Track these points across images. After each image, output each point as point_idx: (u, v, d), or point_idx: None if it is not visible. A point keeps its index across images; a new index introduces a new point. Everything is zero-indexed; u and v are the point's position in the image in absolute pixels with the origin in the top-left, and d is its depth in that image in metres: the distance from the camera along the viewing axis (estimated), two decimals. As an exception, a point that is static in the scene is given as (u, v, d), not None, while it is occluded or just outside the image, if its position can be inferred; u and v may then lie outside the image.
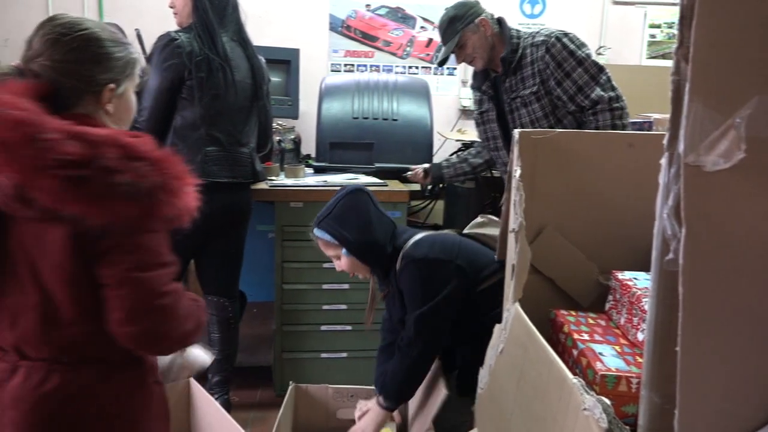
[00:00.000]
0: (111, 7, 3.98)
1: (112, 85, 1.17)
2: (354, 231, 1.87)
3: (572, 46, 2.37)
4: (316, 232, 1.93)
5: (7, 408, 1.13)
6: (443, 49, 2.55)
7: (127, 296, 1.08)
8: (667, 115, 0.75)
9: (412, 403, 2.09)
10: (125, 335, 1.10)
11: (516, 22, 4.20)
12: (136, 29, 2.72)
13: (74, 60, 1.14)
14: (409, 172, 3.00)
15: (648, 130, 2.76)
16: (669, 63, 0.78)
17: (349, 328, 2.80)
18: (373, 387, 2.21)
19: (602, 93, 2.33)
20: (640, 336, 1.41)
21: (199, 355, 1.43)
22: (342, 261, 1.93)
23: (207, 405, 1.90)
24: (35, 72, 1.12)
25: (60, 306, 1.12)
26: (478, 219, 2.20)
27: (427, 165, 2.99)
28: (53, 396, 1.13)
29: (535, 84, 2.42)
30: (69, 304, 1.11)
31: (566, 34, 2.41)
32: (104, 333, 1.12)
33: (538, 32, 2.47)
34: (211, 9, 2.28)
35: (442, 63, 2.64)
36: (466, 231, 2.16)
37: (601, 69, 2.38)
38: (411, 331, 1.86)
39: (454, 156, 3.01)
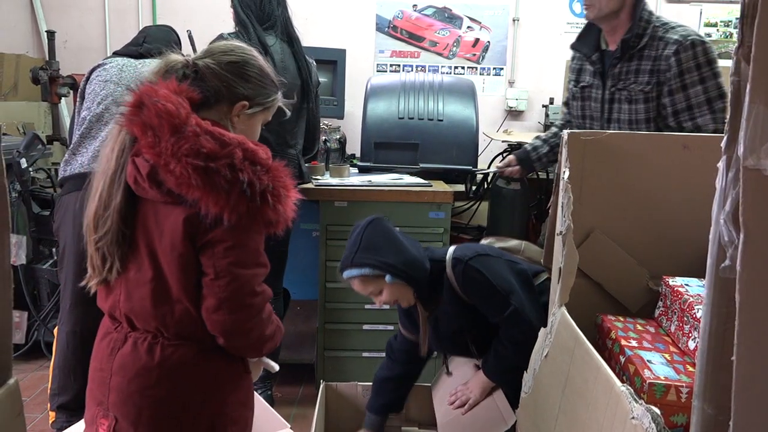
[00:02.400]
0: (164, 8, 4.10)
1: (245, 102, 1.34)
2: (391, 254, 1.78)
3: (702, 59, 2.08)
4: (350, 272, 1.79)
5: (114, 373, 1.25)
6: None
7: (223, 287, 1.18)
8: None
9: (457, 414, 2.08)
10: (213, 322, 1.21)
11: (564, 21, 4.14)
12: (188, 30, 2.79)
13: (229, 70, 1.32)
14: (500, 163, 2.78)
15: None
16: (725, 63, 0.75)
17: (390, 327, 2.81)
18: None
19: (710, 122, 2.08)
20: (691, 344, 1.37)
21: (270, 361, 1.47)
22: (384, 293, 1.81)
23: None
24: (198, 67, 1.30)
25: (169, 284, 1.22)
26: (490, 241, 2.16)
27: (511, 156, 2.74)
28: (154, 367, 1.23)
29: (650, 83, 2.14)
30: (177, 282, 1.21)
31: (703, 42, 2.12)
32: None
33: (674, 27, 2.19)
34: (241, 5, 2.34)
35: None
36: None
37: (722, 95, 2.09)
38: (517, 324, 1.79)
39: (537, 140, 2.71)
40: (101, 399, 1.27)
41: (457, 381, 2.05)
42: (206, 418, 1.27)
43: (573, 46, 2.40)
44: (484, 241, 2.15)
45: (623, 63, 2.19)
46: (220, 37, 2.31)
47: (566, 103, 2.51)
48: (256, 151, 1.19)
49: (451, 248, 1.90)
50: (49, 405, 2.28)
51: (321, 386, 2.23)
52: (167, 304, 1.23)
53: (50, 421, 2.28)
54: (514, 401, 1.84)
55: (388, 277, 1.78)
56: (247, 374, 1.36)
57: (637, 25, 2.16)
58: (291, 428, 1.70)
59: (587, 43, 2.31)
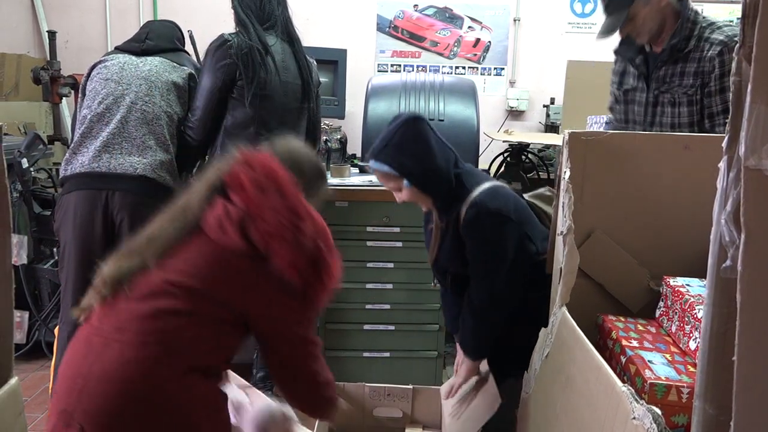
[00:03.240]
0: (165, 8, 4.10)
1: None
2: (416, 160, 1.78)
3: None
4: (374, 164, 1.81)
5: (90, 381, 1.22)
6: (607, 20, 2.13)
7: (287, 354, 1.38)
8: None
9: (453, 402, 2.08)
10: (280, 384, 1.41)
11: (566, 21, 4.14)
12: (188, 30, 2.79)
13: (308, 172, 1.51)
14: None
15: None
16: (728, 63, 0.75)
17: (392, 327, 2.81)
18: (410, 386, 2.21)
19: None
20: (692, 344, 1.37)
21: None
22: (403, 193, 1.83)
23: (256, 398, 1.93)
24: (294, 161, 1.47)
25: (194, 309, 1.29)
26: (543, 190, 2.11)
27: None
28: (137, 382, 1.22)
29: (694, 86, 2.08)
30: (209, 316, 1.29)
31: None
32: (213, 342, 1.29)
33: (720, 27, 2.10)
34: (241, 6, 2.35)
35: (606, 34, 2.14)
36: (527, 197, 2.05)
37: None
38: (483, 292, 1.82)
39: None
40: (68, 405, 1.23)
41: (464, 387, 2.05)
42: None
43: (616, 52, 2.32)
44: (543, 191, 2.10)
45: (668, 66, 2.14)
46: (221, 37, 2.31)
47: (611, 108, 2.44)
48: (326, 229, 1.37)
49: (485, 185, 1.85)
50: (50, 405, 2.28)
51: None
52: (176, 321, 1.25)
53: (51, 421, 2.28)
54: (499, 377, 1.89)
55: (405, 182, 1.80)
56: (226, 415, 1.36)
57: (684, 28, 2.09)
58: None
59: (630, 46, 2.24)
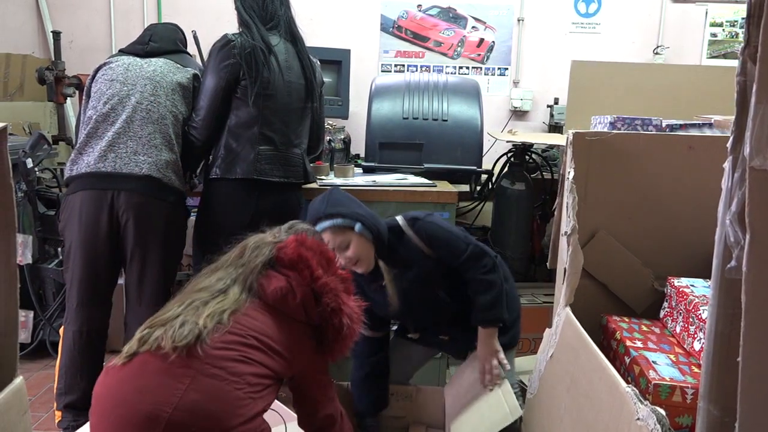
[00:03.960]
0: (169, 9, 4.11)
1: None
2: (359, 208, 1.89)
3: None
4: (325, 224, 1.84)
5: (178, 409, 1.25)
6: None
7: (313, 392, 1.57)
8: (729, 117, 0.73)
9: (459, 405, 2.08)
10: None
11: (570, 21, 4.13)
12: (192, 31, 2.79)
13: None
14: None
15: (708, 133, 2.66)
16: (731, 63, 0.75)
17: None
18: (413, 386, 2.20)
19: None
20: (697, 345, 1.37)
21: None
22: (353, 246, 1.84)
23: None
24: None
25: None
26: None
27: None
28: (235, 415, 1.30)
29: None
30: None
31: None
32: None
33: None
34: (243, 6, 2.35)
35: None
36: None
37: None
38: (475, 263, 1.90)
39: None
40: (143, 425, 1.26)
41: (468, 380, 2.05)
42: None
43: None
44: None
45: None
46: (224, 37, 2.31)
47: None
48: (352, 308, 1.54)
49: (396, 217, 1.98)
50: (55, 404, 2.28)
51: None
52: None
53: (56, 421, 2.29)
54: (508, 347, 1.94)
55: (357, 226, 1.84)
56: None
57: None
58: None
59: None
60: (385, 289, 1.94)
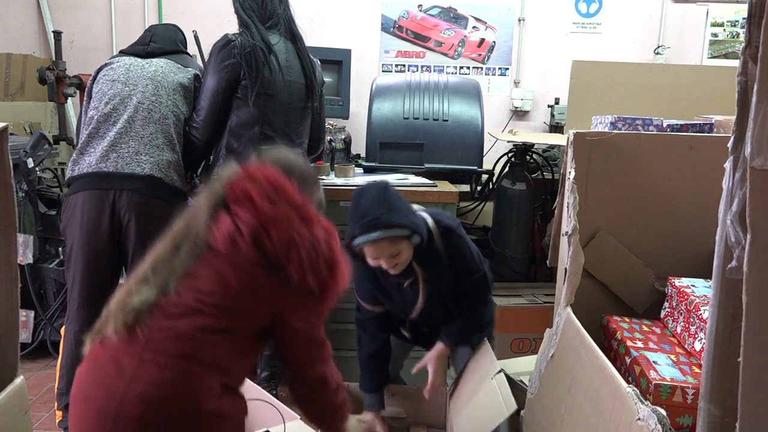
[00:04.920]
0: (170, 9, 4.11)
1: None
2: (415, 217, 1.83)
3: None
4: (383, 233, 1.74)
5: (127, 402, 1.21)
6: None
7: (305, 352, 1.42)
8: (730, 117, 0.73)
9: (462, 405, 2.08)
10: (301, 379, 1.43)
11: (570, 21, 4.13)
12: (193, 31, 2.79)
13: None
14: None
15: (708, 133, 2.66)
16: (731, 63, 0.75)
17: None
18: (415, 386, 2.20)
19: None
20: (698, 345, 1.37)
21: None
22: (404, 253, 1.80)
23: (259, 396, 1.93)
24: (290, 169, 1.45)
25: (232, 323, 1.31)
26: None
27: None
28: (183, 400, 1.23)
29: None
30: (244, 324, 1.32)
31: None
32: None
33: None
34: (242, 7, 2.35)
35: None
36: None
37: None
38: (477, 289, 1.97)
39: None
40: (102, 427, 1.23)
41: (471, 381, 2.05)
42: None
43: None
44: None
45: None
46: (225, 37, 2.31)
47: None
48: (333, 237, 1.38)
49: (426, 216, 1.93)
50: (56, 404, 2.29)
51: None
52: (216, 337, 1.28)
53: (57, 420, 2.29)
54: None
55: (415, 238, 1.79)
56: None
57: None
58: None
59: None
60: (402, 287, 1.95)
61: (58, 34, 3.54)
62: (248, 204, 1.31)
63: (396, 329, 2.16)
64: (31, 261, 2.93)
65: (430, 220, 1.91)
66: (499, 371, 1.89)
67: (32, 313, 2.99)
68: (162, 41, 2.42)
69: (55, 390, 2.30)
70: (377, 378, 2.11)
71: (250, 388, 1.75)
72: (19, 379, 1.45)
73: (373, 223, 1.73)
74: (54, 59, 3.57)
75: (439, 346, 2.04)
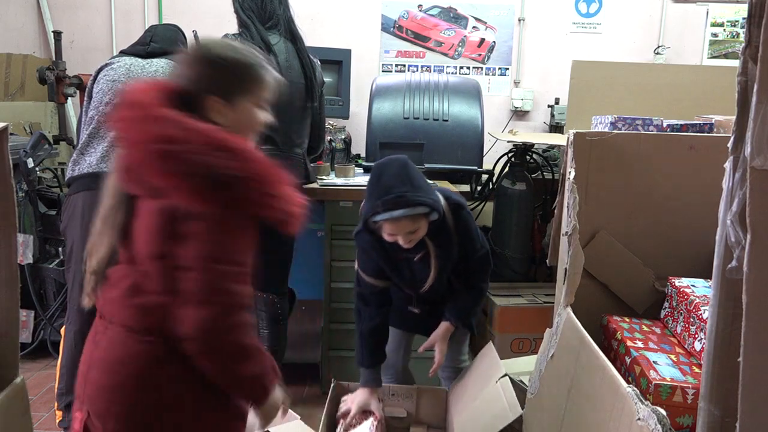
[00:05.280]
0: (170, 9, 4.11)
1: (215, 98, 1.24)
2: (431, 191, 1.81)
3: None
4: (403, 211, 1.71)
5: (92, 367, 1.23)
6: None
7: (192, 280, 1.12)
8: (730, 117, 0.73)
9: (462, 407, 2.08)
10: (183, 317, 1.13)
11: (570, 21, 4.13)
12: (193, 31, 2.79)
13: (201, 72, 1.26)
14: None
15: (708, 133, 2.66)
16: (731, 63, 0.75)
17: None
18: (415, 386, 2.20)
19: None
20: (698, 345, 1.37)
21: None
22: (422, 229, 1.80)
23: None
24: (185, 75, 1.26)
25: (145, 276, 1.19)
26: None
27: None
28: (124, 363, 1.19)
29: None
30: (154, 277, 1.17)
31: None
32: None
33: None
34: (242, 7, 2.36)
35: None
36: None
37: None
38: (482, 267, 2.00)
39: None
40: (79, 392, 1.26)
41: (474, 382, 2.05)
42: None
43: None
44: None
45: None
46: (225, 37, 2.31)
47: None
48: (223, 138, 1.14)
49: (437, 190, 1.92)
50: (56, 404, 2.29)
51: (332, 384, 2.22)
52: (141, 298, 1.19)
53: (57, 420, 2.29)
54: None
55: (434, 215, 1.78)
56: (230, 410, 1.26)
57: None
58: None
59: None
60: (411, 261, 1.93)
61: (58, 34, 3.54)
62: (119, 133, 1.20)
63: (401, 310, 2.12)
64: (31, 261, 2.93)
65: (441, 198, 1.90)
66: (504, 375, 1.89)
67: (32, 313, 2.99)
68: (162, 41, 2.42)
69: (55, 390, 2.30)
70: (378, 353, 2.06)
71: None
72: (19, 379, 1.45)
73: (396, 200, 1.71)
74: (54, 59, 3.57)
75: (444, 325, 2.03)
